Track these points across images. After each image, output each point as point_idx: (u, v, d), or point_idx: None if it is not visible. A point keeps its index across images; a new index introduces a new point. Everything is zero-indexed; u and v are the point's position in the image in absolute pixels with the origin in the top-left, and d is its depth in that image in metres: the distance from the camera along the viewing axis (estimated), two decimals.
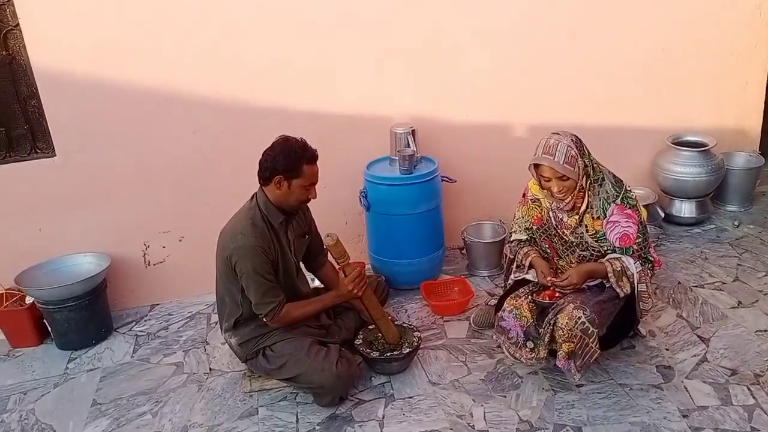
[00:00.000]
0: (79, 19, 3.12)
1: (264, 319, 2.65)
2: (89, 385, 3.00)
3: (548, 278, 2.68)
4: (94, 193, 3.40)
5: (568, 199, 2.62)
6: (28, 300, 3.33)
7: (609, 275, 2.63)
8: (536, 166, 2.61)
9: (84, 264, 3.41)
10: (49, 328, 3.30)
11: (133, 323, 3.50)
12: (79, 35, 3.14)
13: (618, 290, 2.64)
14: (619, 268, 2.63)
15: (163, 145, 3.42)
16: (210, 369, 3.04)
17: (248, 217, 2.63)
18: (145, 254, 3.58)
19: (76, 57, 3.17)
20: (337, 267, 2.82)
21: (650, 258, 2.71)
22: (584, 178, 2.59)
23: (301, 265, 2.98)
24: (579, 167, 2.56)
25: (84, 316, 3.24)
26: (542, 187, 2.68)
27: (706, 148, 4.04)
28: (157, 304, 3.65)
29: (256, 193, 2.72)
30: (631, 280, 2.64)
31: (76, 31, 3.13)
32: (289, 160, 2.56)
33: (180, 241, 3.60)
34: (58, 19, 3.10)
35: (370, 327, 2.96)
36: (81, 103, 3.24)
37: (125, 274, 3.55)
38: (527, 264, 2.84)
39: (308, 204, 2.81)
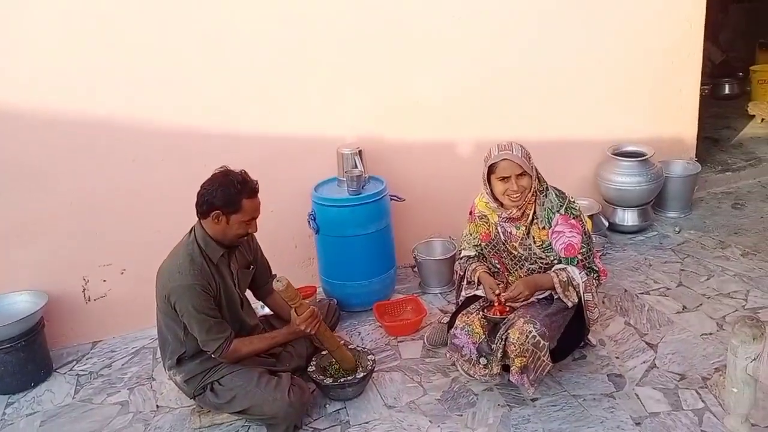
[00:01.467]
0: (12, 47, 3.01)
1: (213, 356, 2.56)
2: (29, 430, 2.84)
3: (495, 292, 2.69)
4: (29, 227, 3.25)
5: (522, 201, 2.64)
6: None
7: (556, 286, 2.66)
8: (491, 169, 2.64)
9: (19, 303, 3.25)
10: None
11: (74, 362, 3.34)
12: (9, 66, 3.03)
13: (565, 300, 2.67)
14: (565, 279, 2.66)
15: (100, 175, 3.30)
16: (157, 406, 2.93)
17: (186, 253, 2.54)
18: (84, 289, 3.43)
19: (6, 89, 3.05)
20: (289, 307, 2.73)
21: (595, 268, 2.75)
22: (536, 180, 2.65)
23: (249, 294, 2.90)
24: (533, 166, 2.64)
25: (21, 357, 3.08)
26: (495, 195, 2.68)
27: (645, 157, 4.16)
28: (99, 341, 3.51)
29: (194, 226, 2.62)
30: (577, 290, 2.67)
31: (5, 62, 3.02)
32: (227, 195, 2.48)
33: (122, 273, 3.47)
34: None
35: (323, 353, 2.90)
36: (11, 133, 3.11)
37: (64, 311, 3.39)
38: (476, 280, 2.84)
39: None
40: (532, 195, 2.67)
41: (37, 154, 3.18)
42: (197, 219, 2.60)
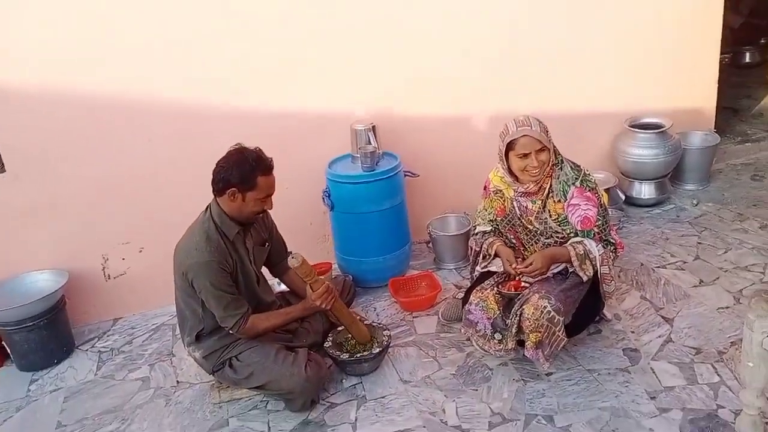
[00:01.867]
0: (27, 31, 3.01)
1: (231, 332, 2.60)
2: (53, 406, 2.91)
3: (513, 265, 2.69)
4: (48, 208, 3.29)
5: (541, 176, 2.63)
6: None
7: (572, 259, 2.65)
8: (510, 146, 2.61)
9: (41, 281, 3.30)
10: (8, 350, 3.19)
11: (96, 339, 3.41)
12: (29, 47, 3.03)
13: (581, 274, 2.67)
14: (582, 252, 2.65)
15: (118, 154, 3.33)
16: (177, 382, 2.98)
17: (202, 230, 2.56)
18: (104, 268, 3.48)
19: (23, 69, 3.07)
20: (304, 283, 2.75)
21: (612, 240, 2.74)
22: (554, 153, 2.64)
23: (265, 271, 2.93)
24: (550, 137, 2.62)
25: (44, 335, 3.15)
26: (513, 170, 2.67)
27: (663, 129, 4.10)
28: (120, 318, 3.57)
29: (210, 204, 2.65)
30: (594, 263, 2.67)
31: (26, 43, 3.03)
32: (242, 172, 2.49)
33: (140, 252, 3.51)
34: (5, 30, 2.99)
35: (339, 329, 2.93)
36: (30, 116, 3.14)
37: (85, 289, 3.45)
38: (493, 253, 2.84)
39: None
40: (550, 169, 2.65)
41: (54, 136, 3.21)
42: (213, 197, 2.61)
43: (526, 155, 2.59)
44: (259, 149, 2.58)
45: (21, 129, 3.15)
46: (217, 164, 2.55)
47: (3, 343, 3.20)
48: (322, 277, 2.80)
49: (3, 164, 3.18)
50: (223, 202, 2.58)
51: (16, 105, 3.10)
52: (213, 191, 2.59)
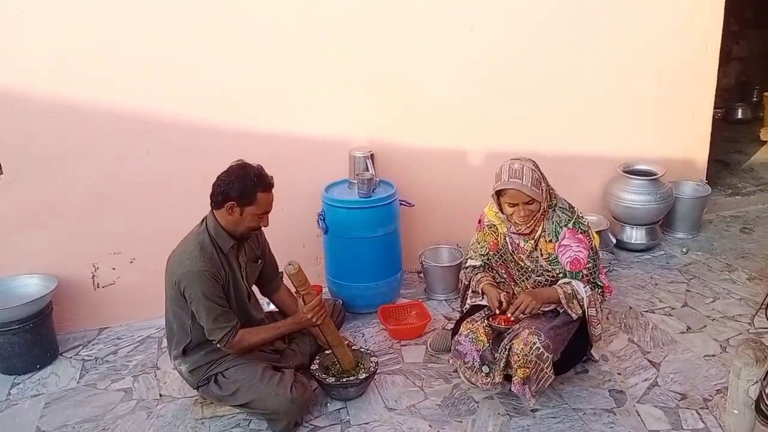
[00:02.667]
0: (29, 35, 3.05)
1: (218, 345, 2.59)
2: (33, 411, 2.87)
3: (498, 306, 2.70)
4: (42, 213, 3.29)
5: (530, 223, 2.66)
6: None
7: (561, 298, 2.67)
8: (501, 192, 2.64)
9: (29, 285, 3.28)
10: None
11: (80, 347, 3.38)
12: (30, 53, 3.07)
13: (571, 312, 2.69)
14: (570, 292, 2.67)
15: (115, 164, 3.34)
16: (160, 395, 2.95)
17: (197, 242, 2.57)
18: (94, 276, 3.47)
19: (25, 73, 3.09)
20: (296, 294, 2.77)
21: (599, 283, 2.76)
22: (546, 201, 2.65)
23: (255, 290, 2.93)
24: (543, 189, 2.62)
25: (28, 339, 3.12)
26: (503, 213, 2.70)
27: (656, 176, 4.18)
28: (106, 328, 3.54)
29: (206, 216, 2.66)
30: (582, 303, 2.69)
31: (27, 50, 3.06)
32: (243, 187, 2.51)
33: (131, 263, 3.50)
34: (7, 33, 3.02)
35: (327, 352, 2.92)
36: (30, 121, 3.15)
37: (73, 297, 3.43)
38: (480, 291, 2.86)
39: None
40: (541, 215, 2.68)
41: (53, 142, 3.22)
42: (210, 209, 2.63)
43: (514, 204, 2.63)
44: (261, 166, 2.60)
45: (20, 133, 3.17)
46: (218, 177, 2.56)
47: None
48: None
49: (0, 165, 3.18)
50: (220, 215, 2.59)
51: (16, 109, 3.12)
52: (211, 203, 2.60)
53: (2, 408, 2.90)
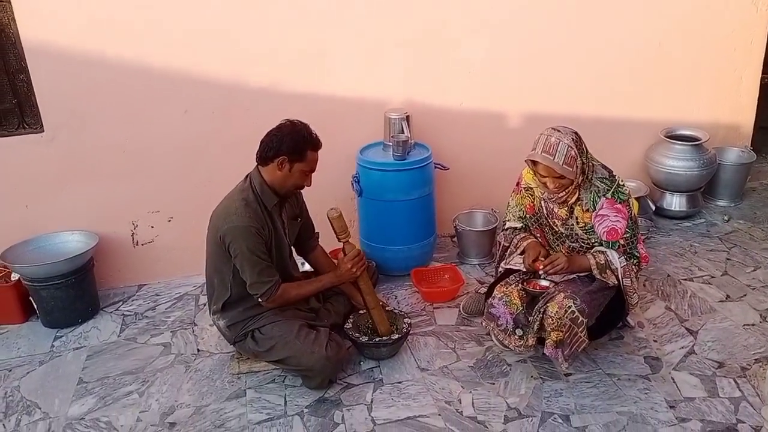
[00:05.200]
0: None
1: (260, 300, 2.62)
2: (75, 363, 2.97)
3: (536, 261, 2.66)
4: (83, 171, 3.35)
5: (561, 194, 2.61)
6: (14, 276, 3.29)
7: (592, 267, 2.64)
8: (534, 162, 2.60)
9: (71, 242, 3.36)
10: (35, 306, 3.26)
11: (120, 303, 3.46)
12: (72, 9, 3.08)
13: (605, 280, 2.65)
14: (603, 261, 2.63)
15: (153, 123, 3.37)
16: (198, 350, 3.02)
17: (241, 197, 2.60)
18: (133, 234, 3.54)
19: (67, 31, 3.11)
20: (338, 241, 2.80)
21: (636, 254, 2.70)
22: (580, 176, 2.58)
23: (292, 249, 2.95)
24: (577, 167, 2.54)
25: (70, 294, 3.20)
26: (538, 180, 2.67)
27: (699, 142, 4.06)
28: (145, 284, 3.62)
29: (250, 173, 2.68)
30: (616, 273, 2.64)
31: (69, 5, 3.07)
32: (295, 143, 2.55)
33: (169, 221, 3.56)
34: None
35: (361, 312, 2.94)
36: (71, 79, 3.19)
37: (113, 253, 3.51)
38: (523, 245, 2.80)
39: None
40: (575, 188, 2.61)
41: (92, 101, 3.25)
42: (255, 166, 2.66)
43: (544, 176, 2.58)
44: (309, 126, 2.62)
45: (61, 91, 3.20)
46: (268, 133, 2.59)
47: (30, 298, 3.25)
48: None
49: (42, 124, 3.24)
50: (267, 171, 2.62)
51: (57, 66, 3.14)
52: (258, 159, 2.63)
53: (46, 360, 3.01)
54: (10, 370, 2.93)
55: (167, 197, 3.52)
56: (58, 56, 3.13)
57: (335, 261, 2.94)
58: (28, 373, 2.91)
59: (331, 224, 2.73)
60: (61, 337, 3.18)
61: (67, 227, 3.39)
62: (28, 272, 3.16)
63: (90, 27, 3.13)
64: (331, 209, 2.70)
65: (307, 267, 3.16)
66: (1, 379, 2.88)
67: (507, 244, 2.89)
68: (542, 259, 2.67)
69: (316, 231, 3.03)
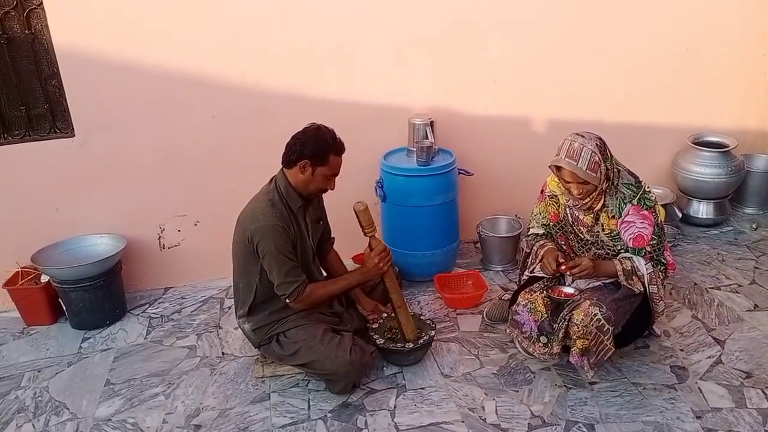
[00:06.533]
0: (103, 0, 3.12)
1: (287, 300, 2.64)
2: (103, 364, 3.02)
3: (559, 264, 2.64)
4: (112, 175, 3.41)
5: (586, 201, 2.60)
6: (44, 278, 3.35)
7: (618, 273, 2.62)
8: (558, 167, 2.59)
9: (100, 245, 3.42)
10: (64, 307, 3.32)
11: (147, 305, 3.52)
12: (103, 16, 3.14)
13: (631, 287, 2.63)
14: (629, 268, 2.61)
15: (181, 128, 3.42)
16: (223, 353, 3.05)
17: (267, 199, 2.63)
18: (160, 237, 3.59)
19: (98, 38, 3.17)
20: (363, 235, 2.81)
21: (663, 261, 2.67)
22: (605, 182, 2.57)
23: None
24: (601, 173, 2.53)
25: (99, 296, 3.26)
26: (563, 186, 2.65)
27: (727, 149, 4.00)
28: (171, 287, 3.67)
29: (276, 176, 2.72)
30: (642, 280, 2.62)
31: (100, 12, 3.13)
32: (318, 147, 2.57)
33: (195, 225, 3.61)
34: None
35: (384, 315, 2.95)
36: (101, 84, 3.25)
37: (140, 256, 3.57)
38: (541, 254, 2.80)
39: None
40: (599, 194, 2.59)
41: (121, 106, 3.32)
42: (280, 169, 2.69)
43: (568, 182, 2.57)
44: (334, 131, 2.65)
45: (91, 96, 3.27)
46: (293, 137, 2.62)
47: (59, 300, 3.32)
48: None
49: (73, 128, 3.30)
50: (291, 174, 2.65)
51: (88, 72, 3.21)
52: (283, 162, 2.65)
53: (74, 360, 3.06)
54: (39, 371, 2.99)
55: (194, 201, 3.57)
56: (89, 62, 3.19)
57: (358, 266, 2.94)
58: (56, 373, 2.97)
59: (357, 217, 2.74)
60: (89, 338, 3.24)
61: (96, 230, 3.46)
62: (58, 274, 3.22)
63: (120, 33, 3.19)
64: (358, 202, 2.72)
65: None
66: (30, 379, 2.94)
67: (528, 251, 2.89)
68: (562, 261, 2.65)
69: (332, 236, 3.05)
